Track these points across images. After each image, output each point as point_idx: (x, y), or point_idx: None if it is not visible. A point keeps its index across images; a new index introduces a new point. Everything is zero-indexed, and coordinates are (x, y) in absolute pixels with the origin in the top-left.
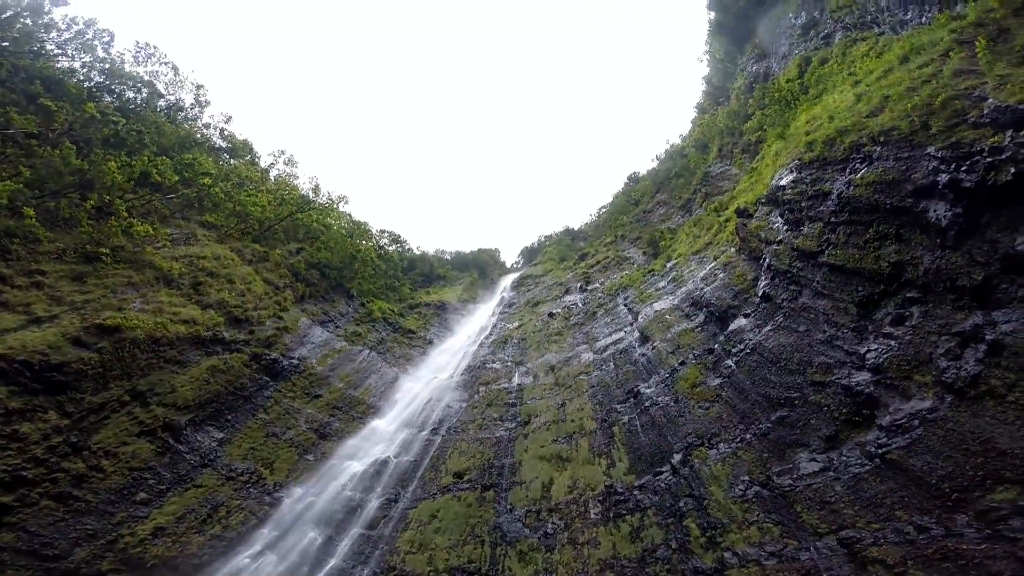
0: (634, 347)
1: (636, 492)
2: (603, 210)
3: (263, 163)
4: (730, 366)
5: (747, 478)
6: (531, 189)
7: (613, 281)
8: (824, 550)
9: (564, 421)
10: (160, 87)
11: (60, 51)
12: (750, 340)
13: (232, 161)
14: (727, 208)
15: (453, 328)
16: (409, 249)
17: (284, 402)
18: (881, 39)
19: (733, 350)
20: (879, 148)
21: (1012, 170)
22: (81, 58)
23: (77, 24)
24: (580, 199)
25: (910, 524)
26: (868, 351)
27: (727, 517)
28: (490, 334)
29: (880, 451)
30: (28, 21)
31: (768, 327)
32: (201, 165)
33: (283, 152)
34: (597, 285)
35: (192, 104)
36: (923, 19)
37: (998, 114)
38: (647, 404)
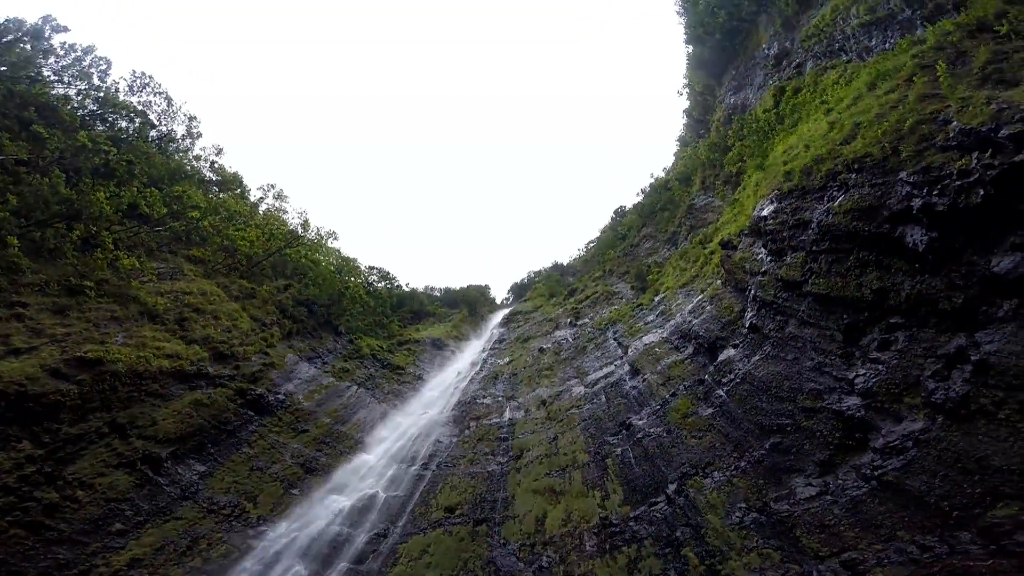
0: (625, 380)
1: (632, 523)
2: (591, 245)
3: (253, 197)
4: (721, 396)
5: (744, 505)
6: (520, 225)
7: (602, 316)
8: (827, 573)
9: (557, 454)
10: (153, 117)
11: (56, 78)
12: (740, 370)
13: (222, 195)
14: (712, 240)
15: (443, 364)
16: (398, 286)
17: (270, 436)
18: (849, 66)
19: (723, 380)
20: (854, 175)
21: (981, 192)
22: (77, 85)
23: (76, 51)
24: (568, 234)
25: (912, 544)
26: (857, 376)
27: (726, 544)
28: (480, 370)
29: (876, 473)
30: (28, 46)
31: (757, 356)
32: (190, 198)
33: (273, 186)
34: (587, 320)
35: (184, 135)
36: (887, 44)
37: (963, 137)
38: (639, 436)
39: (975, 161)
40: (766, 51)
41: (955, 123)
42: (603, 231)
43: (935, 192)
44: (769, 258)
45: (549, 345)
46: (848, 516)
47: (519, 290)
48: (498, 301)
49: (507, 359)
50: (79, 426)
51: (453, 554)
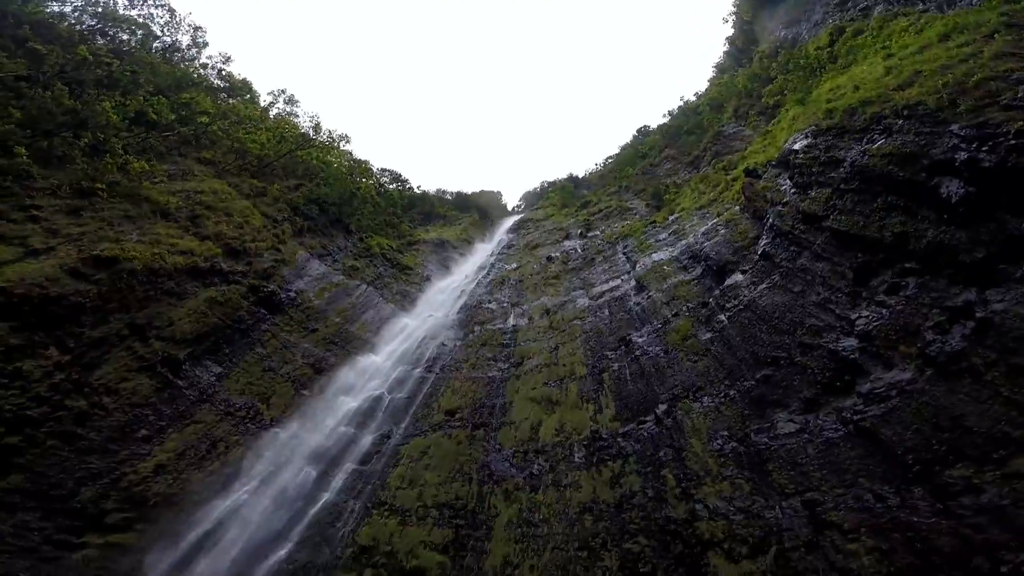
0: (630, 295)
1: (620, 439)
2: (609, 160)
3: (263, 102)
4: (722, 321)
5: (726, 433)
6: (537, 134)
7: (614, 230)
8: (788, 510)
9: (556, 364)
10: (156, 29)
11: None
12: (744, 296)
13: (231, 101)
14: (736, 167)
15: (451, 267)
16: (410, 188)
17: (281, 336)
18: (924, 16)
19: (727, 305)
20: (901, 121)
21: None
22: (72, 2)
23: None
24: (586, 148)
25: (870, 492)
26: (859, 317)
27: (703, 470)
28: (488, 274)
29: (855, 418)
30: None
31: (764, 285)
32: (199, 104)
33: (283, 91)
34: (598, 232)
35: (189, 45)
36: (974, 1)
37: None
38: (638, 353)
39: None
40: None
41: None
42: (623, 148)
43: (984, 148)
44: (793, 190)
45: (557, 254)
46: (819, 457)
47: (532, 199)
48: (510, 208)
49: (515, 265)
50: (100, 329)
51: (451, 457)
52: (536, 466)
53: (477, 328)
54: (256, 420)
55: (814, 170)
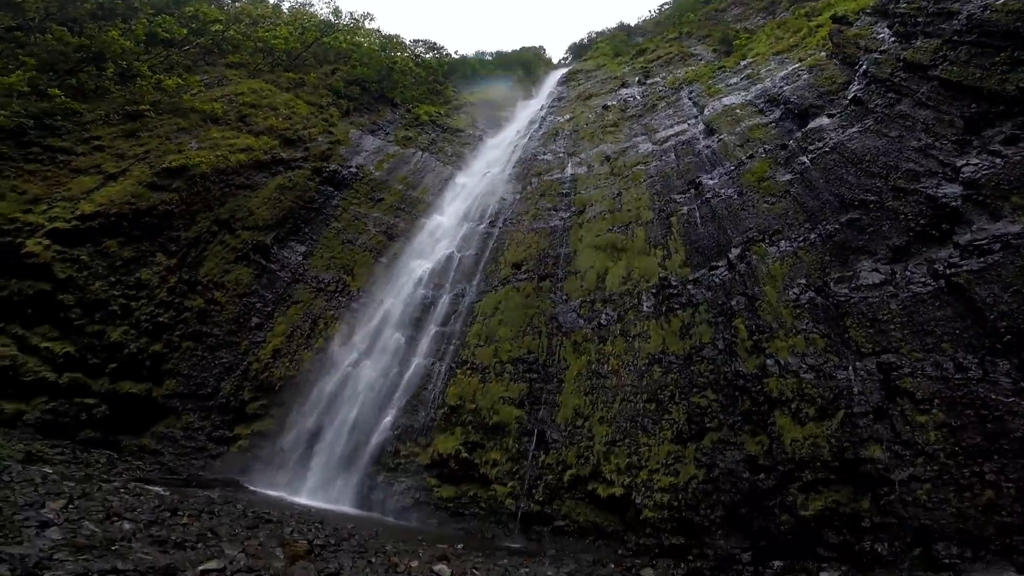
0: (698, 139)
1: (690, 286)
2: (665, 6)
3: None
4: (804, 162)
5: (803, 281)
6: None
7: (676, 75)
8: (862, 372)
9: (620, 210)
10: None
11: None
12: (831, 139)
13: (237, 3)
14: (820, 14)
15: (502, 124)
16: (447, 54)
17: (352, 209)
18: None
19: (810, 147)
20: None
21: None
22: None
23: None
24: None
25: (951, 360)
26: (967, 165)
27: (776, 322)
28: (540, 127)
29: (948, 271)
30: None
31: (855, 128)
32: (206, 15)
33: None
34: (658, 79)
35: None
36: None
37: None
38: (708, 195)
39: None
40: None
41: None
42: None
43: None
44: (893, 39)
45: (614, 102)
46: (902, 315)
47: (578, 50)
48: (555, 62)
49: (568, 116)
50: (192, 229)
51: (520, 310)
52: (604, 316)
53: (535, 180)
54: (345, 292)
55: (920, 20)
